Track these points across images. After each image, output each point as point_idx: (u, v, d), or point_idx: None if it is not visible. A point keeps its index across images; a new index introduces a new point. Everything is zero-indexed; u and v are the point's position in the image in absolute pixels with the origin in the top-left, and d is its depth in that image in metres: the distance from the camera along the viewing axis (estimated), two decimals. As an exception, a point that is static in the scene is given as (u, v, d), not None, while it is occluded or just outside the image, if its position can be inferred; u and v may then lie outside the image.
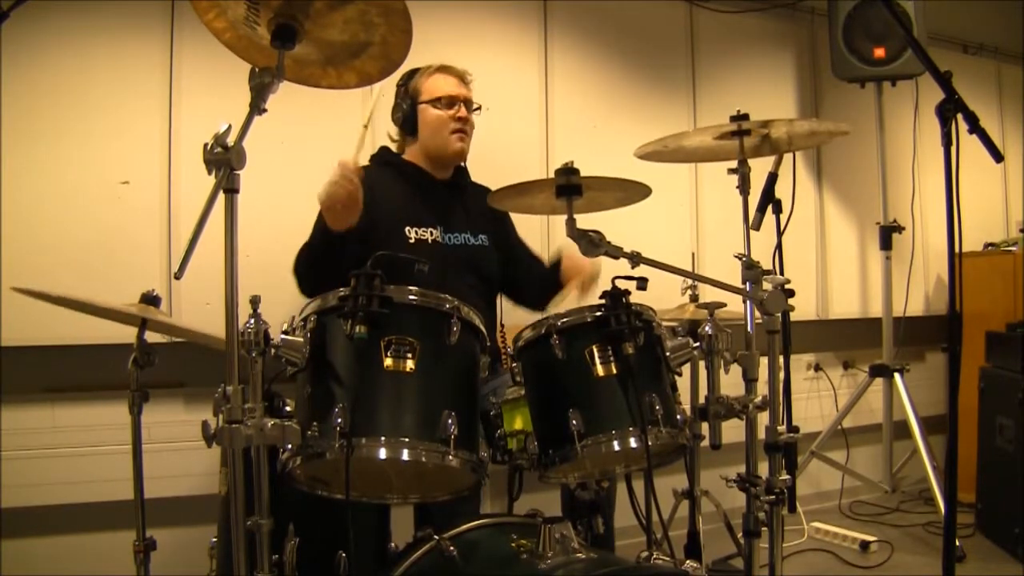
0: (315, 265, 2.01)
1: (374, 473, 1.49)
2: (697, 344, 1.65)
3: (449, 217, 2.22)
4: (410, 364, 1.36)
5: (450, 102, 2.21)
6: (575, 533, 1.42)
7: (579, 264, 2.23)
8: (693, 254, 3.14)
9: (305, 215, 2.21)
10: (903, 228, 3.42)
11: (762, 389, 1.68)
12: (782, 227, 2.55)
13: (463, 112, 2.21)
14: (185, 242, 1.18)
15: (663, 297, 2.20)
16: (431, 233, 2.16)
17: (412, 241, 2.12)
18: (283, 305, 2.09)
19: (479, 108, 2.29)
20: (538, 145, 2.97)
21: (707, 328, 1.65)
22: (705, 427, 1.67)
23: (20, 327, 2.17)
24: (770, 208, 2.44)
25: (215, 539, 1.68)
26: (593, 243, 1.49)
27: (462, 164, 2.33)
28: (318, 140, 2.58)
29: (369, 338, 1.33)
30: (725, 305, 1.76)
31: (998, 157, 1.50)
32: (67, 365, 2.32)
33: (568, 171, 1.52)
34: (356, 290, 1.35)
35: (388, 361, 1.35)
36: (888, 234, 3.40)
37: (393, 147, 2.33)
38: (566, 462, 1.49)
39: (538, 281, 2.36)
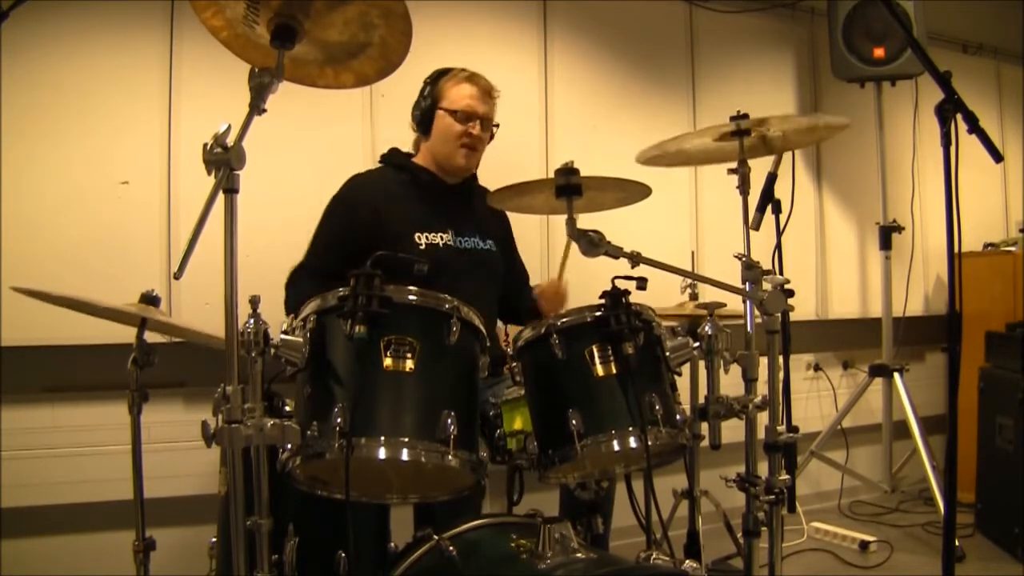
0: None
1: (374, 473, 1.50)
2: (697, 344, 1.65)
3: (459, 221, 2.21)
4: (410, 364, 1.36)
5: (467, 117, 2.18)
6: (575, 533, 1.42)
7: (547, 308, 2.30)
8: (692, 252, 3.14)
9: (305, 215, 2.21)
10: (903, 228, 3.42)
11: (762, 389, 1.69)
12: (782, 227, 2.55)
13: (476, 129, 2.19)
14: (185, 242, 1.18)
15: (663, 296, 2.20)
16: (442, 237, 2.15)
17: (423, 246, 2.11)
18: (283, 305, 2.10)
19: (496, 126, 2.27)
20: (538, 145, 2.97)
21: (707, 328, 1.65)
22: (705, 427, 1.67)
23: (20, 327, 2.17)
24: (769, 208, 2.44)
25: (215, 539, 1.68)
26: (593, 243, 1.49)
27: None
28: (318, 140, 2.59)
29: (369, 338, 1.32)
30: (725, 305, 1.76)
31: (998, 157, 1.50)
32: (67, 365, 2.32)
33: (568, 171, 1.52)
34: (356, 290, 1.35)
35: (388, 361, 1.35)
36: (888, 234, 3.40)
37: (408, 147, 2.33)
38: (566, 462, 1.49)
39: (514, 302, 2.37)
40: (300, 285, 2.10)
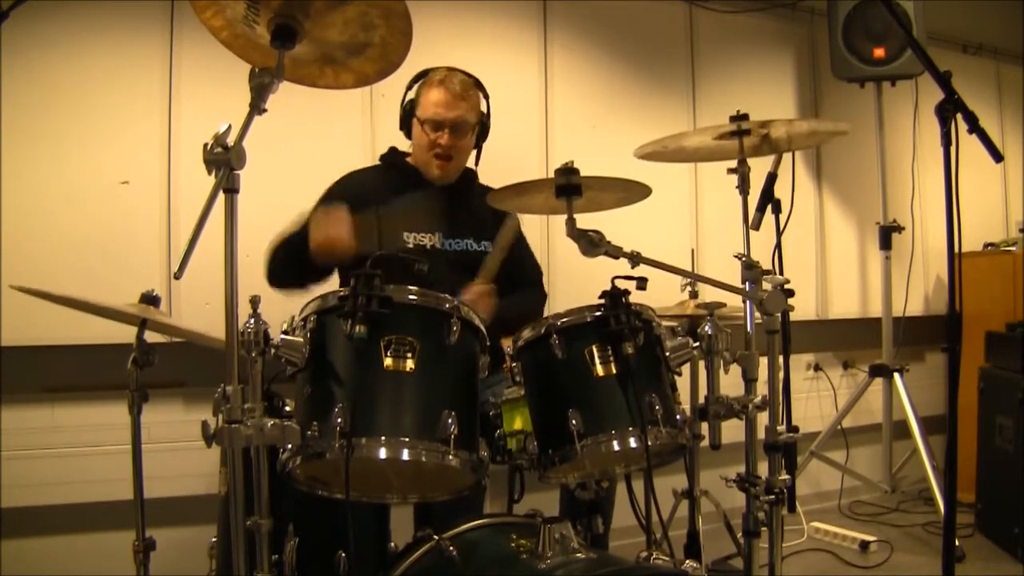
0: (289, 265, 2.02)
1: (374, 473, 1.49)
2: (697, 344, 1.65)
3: (450, 223, 2.20)
4: (410, 364, 1.36)
5: (436, 126, 2.14)
6: (575, 533, 1.42)
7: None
8: (693, 250, 3.14)
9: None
10: (903, 228, 3.42)
11: (762, 389, 1.68)
12: (782, 227, 2.55)
13: (444, 139, 2.14)
14: (185, 242, 1.18)
15: (663, 295, 2.20)
16: (429, 239, 2.15)
17: (411, 246, 2.11)
18: (283, 305, 2.09)
19: (482, 124, 2.23)
20: (538, 145, 2.97)
21: (707, 328, 1.65)
22: (705, 427, 1.67)
23: (20, 327, 2.17)
24: (769, 208, 2.44)
25: (215, 539, 1.68)
26: (592, 243, 1.49)
27: (472, 168, 2.32)
28: (318, 140, 2.59)
29: (369, 338, 1.33)
30: (725, 305, 1.76)
31: (998, 157, 1.51)
32: (67, 365, 2.32)
33: (568, 171, 1.52)
34: (356, 290, 1.35)
35: (388, 361, 1.35)
36: (888, 234, 3.40)
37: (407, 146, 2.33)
38: (566, 462, 1.49)
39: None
40: (279, 253, 2.06)
